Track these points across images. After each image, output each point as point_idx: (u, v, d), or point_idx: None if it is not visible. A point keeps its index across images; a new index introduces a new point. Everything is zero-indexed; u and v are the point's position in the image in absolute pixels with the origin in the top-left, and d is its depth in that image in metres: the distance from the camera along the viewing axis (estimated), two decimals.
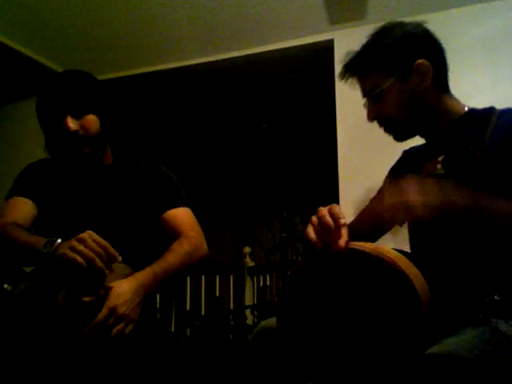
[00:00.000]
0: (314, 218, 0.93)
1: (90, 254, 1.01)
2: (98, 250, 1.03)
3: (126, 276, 1.13)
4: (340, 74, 1.19)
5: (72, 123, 1.31)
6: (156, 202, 1.41)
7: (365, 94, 1.17)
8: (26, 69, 3.12)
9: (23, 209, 1.34)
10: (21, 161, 1.46)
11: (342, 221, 0.90)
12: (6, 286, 1.07)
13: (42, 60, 3.08)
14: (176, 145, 4.74)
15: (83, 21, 2.75)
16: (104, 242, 1.05)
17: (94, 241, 1.04)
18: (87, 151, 1.34)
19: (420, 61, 1.10)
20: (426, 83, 1.11)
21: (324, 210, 0.92)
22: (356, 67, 1.16)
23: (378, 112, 1.16)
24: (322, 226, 0.90)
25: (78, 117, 1.33)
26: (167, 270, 1.25)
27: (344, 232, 0.89)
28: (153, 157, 1.57)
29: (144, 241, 1.39)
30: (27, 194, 1.37)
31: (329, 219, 0.90)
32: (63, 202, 1.37)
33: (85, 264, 1.00)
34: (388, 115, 1.15)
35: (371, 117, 1.17)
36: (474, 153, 1.04)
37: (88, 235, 1.04)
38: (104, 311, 1.04)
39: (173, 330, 3.18)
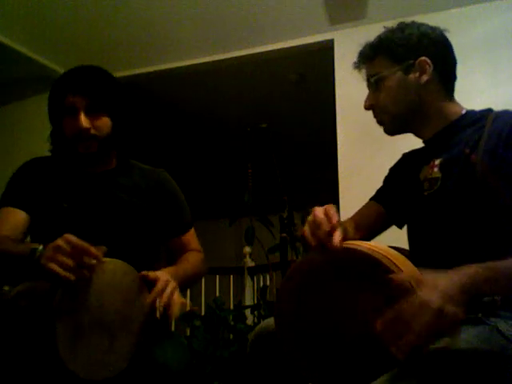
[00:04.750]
0: (310, 218, 0.95)
1: (66, 261, 0.98)
2: (75, 254, 0.99)
3: (125, 273, 1.12)
4: (354, 63, 1.24)
5: (85, 121, 1.27)
6: (166, 228, 1.44)
7: (368, 80, 1.21)
8: (26, 69, 3.12)
9: (13, 222, 1.28)
10: (21, 161, 1.42)
11: (334, 220, 0.91)
12: (5, 287, 1.07)
13: (42, 60, 3.08)
14: (176, 144, 4.74)
15: (83, 21, 2.75)
16: (83, 244, 1.01)
17: (71, 243, 1.00)
18: (94, 151, 1.31)
19: (423, 58, 1.13)
20: (422, 80, 1.14)
21: (318, 210, 0.94)
22: (366, 52, 1.21)
23: (375, 99, 1.19)
24: (315, 225, 0.92)
25: (92, 114, 1.29)
26: (184, 277, 1.30)
27: (338, 231, 0.90)
28: (154, 157, 1.56)
29: (144, 255, 1.37)
30: (19, 203, 1.30)
31: (322, 218, 0.92)
32: (61, 209, 1.31)
33: (62, 273, 0.97)
34: (384, 104, 1.18)
35: (368, 104, 1.21)
36: (470, 156, 1.04)
37: (63, 241, 1.00)
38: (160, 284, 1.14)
39: (173, 329, 3.19)
